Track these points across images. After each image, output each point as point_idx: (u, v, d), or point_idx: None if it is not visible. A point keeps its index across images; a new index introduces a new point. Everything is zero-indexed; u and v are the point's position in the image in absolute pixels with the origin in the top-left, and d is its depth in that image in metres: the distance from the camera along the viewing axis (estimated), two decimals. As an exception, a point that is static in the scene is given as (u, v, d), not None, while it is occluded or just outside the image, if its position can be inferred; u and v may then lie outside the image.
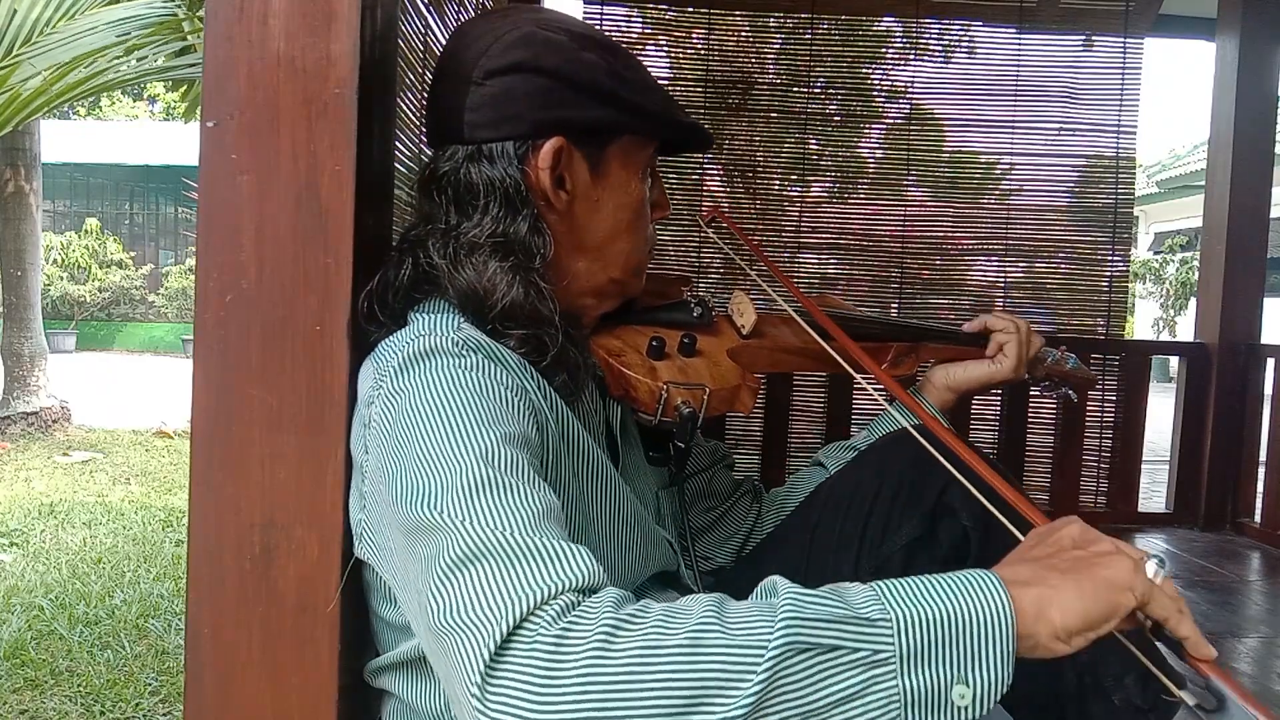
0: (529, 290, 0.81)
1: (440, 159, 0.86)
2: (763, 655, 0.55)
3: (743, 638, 0.56)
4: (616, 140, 0.87)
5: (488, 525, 0.63)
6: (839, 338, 0.99)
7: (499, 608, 0.58)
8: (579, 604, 0.59)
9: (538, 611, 0.58)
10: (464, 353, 0.75)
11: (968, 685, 0.57)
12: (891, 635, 0.57)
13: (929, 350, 1.18)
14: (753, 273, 1.11)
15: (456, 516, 0.64)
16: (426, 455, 0.68)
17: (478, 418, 0.70)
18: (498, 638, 0.57)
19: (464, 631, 0.58)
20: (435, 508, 0.65)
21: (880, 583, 0.61)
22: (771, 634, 0.56)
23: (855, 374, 0.99)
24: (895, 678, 0.56)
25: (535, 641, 0.56)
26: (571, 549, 0.62)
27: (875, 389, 1.01)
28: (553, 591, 0.59)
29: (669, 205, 0.97)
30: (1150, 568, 0.63)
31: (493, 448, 0.68)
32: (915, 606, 0.58)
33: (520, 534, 0.62)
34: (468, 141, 0.84)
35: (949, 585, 0.60)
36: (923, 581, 0.61)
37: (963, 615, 0.58)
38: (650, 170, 0.92)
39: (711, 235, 1.18)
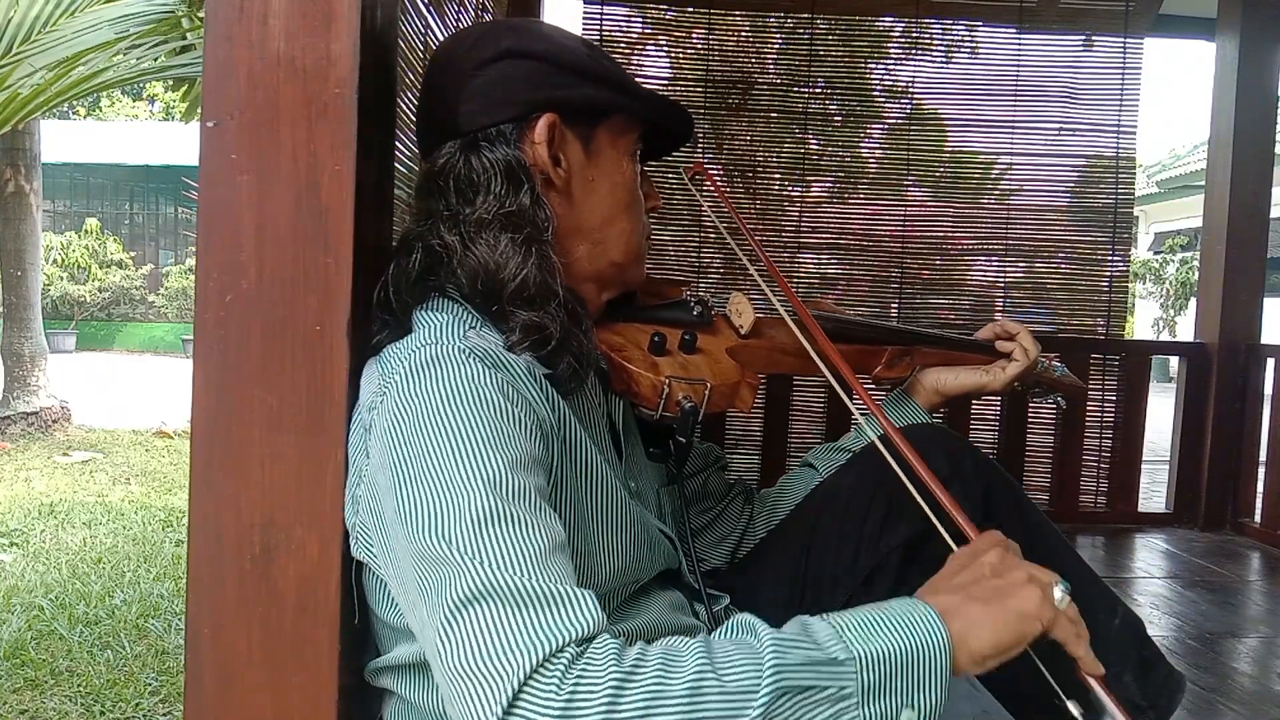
0: (542, 263, 0.82)
1: (438, 157, 0.87)
2: (754, 701, 0.61)
3: (736, 685, 0.61)
4: (605, 120, 0.90)
5: (496, 564, 0.65)
6: (822, 343, 0.99)
7: (508, 661, 0.61)
8: (583, 656, 0.62)
9: (545, 666, 0.61)
10: (469, 362, 0.75)
11: (914, 709, 0.65)
12: (854, 673, 0.64)
13: (923, 354, 1.18)
14: (732, 241, 1.14)
15: (466, 552, 0.66)
16: (434, 478, 0.69)
17: (486, 440, 0.71)
18: (508, 694, 0.60)
19: (474, 682, 0.62)
20: (445, 538, 0.67)
21: (837, 620, 0.68)
22: (760, 681, 0.61)
23: (833, 380, 0.98)
24: (858, 708, 0.64)
25: (545, 702, 0.60)
26: (575, 594, 0.65)
27: (856, 406, 1.01)
28: (559, 644, 0.62)
29: (659, 198, 0.99)
30: (1057, 593, 0.71)
31: (501, 475, 0.69)
32: (871, 644, 0.65)
33: (527, 576, 0.65)
34: (464, 133, 0.86)
35: (896, 621, 0.67)
36: (871, 617, 0.68)
37: (910, 650, 0.66)
38: (637, 157, 0.94)
39: (695, 193, 1.18)
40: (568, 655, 0.62)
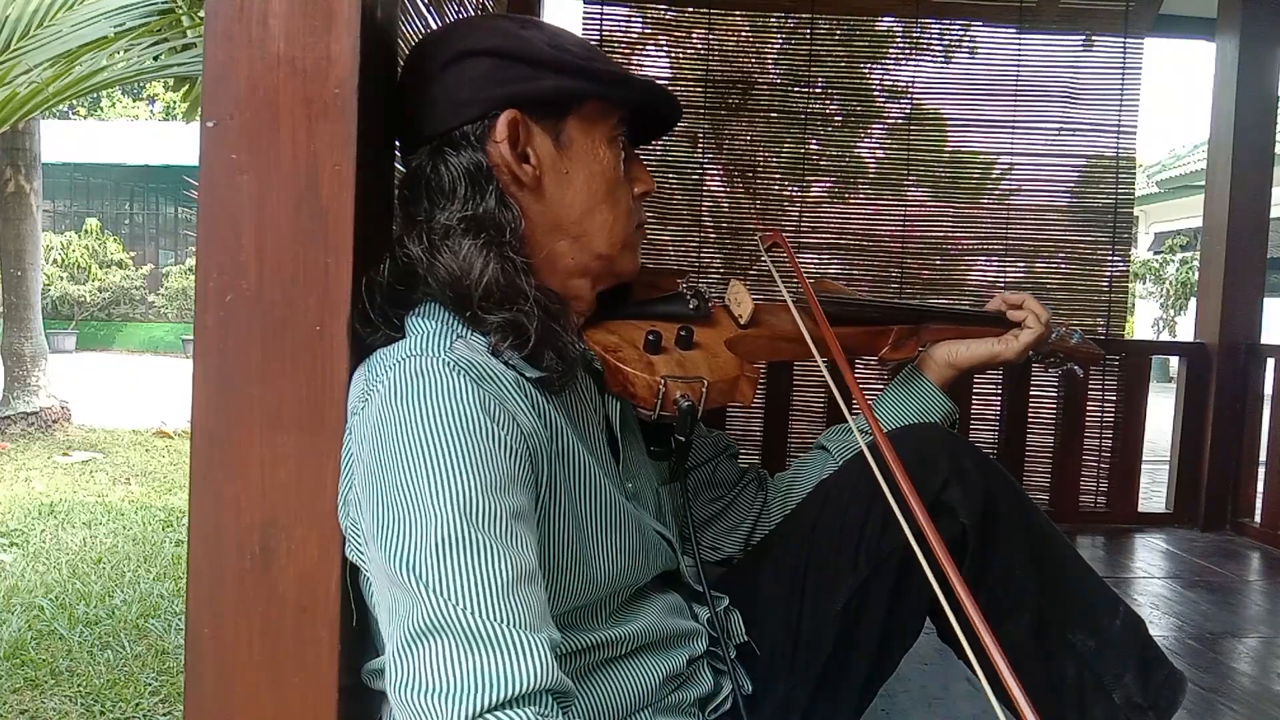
0: (504, 265, 0.81)
1: (411, 160, 0.88)
2: None
3: None
4: (574, 110, 0.87)
5: (453, 597, 0.66)
6: (828, 339, 0.98)
7: (449, 703, 0.62)
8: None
9: (491, 715, 0.62)
10: (455, 377, 0.74)
11: None
12: None
13: (932, 331, 1.17)
14: (790, 302, 1.05)
15: (425, 581, 0.67)
16: (406, 497, 0.70)
17: (461, 461, 0.70)
18: None
19: (418, 718, 0.64)
20: (408, 564, 0.68)
21: None
22: None
23: (832, 383, 0.97)
24: None
25: None
26: (530, 642, 0.66)
27: (857, 422, 1.00)
28: (503, 696, 0.63)
29: (651, 182, 0.96)
30: None
31: (472, 497, 0.69)
32: None
33: (483, 613, 0.66)
34: (431, 137, 0.86)
35: None
36: None
37: None
38: (623, 144, 0.92)
39: (766, 262, 1.13)
40: (523, 714, 0.63)
